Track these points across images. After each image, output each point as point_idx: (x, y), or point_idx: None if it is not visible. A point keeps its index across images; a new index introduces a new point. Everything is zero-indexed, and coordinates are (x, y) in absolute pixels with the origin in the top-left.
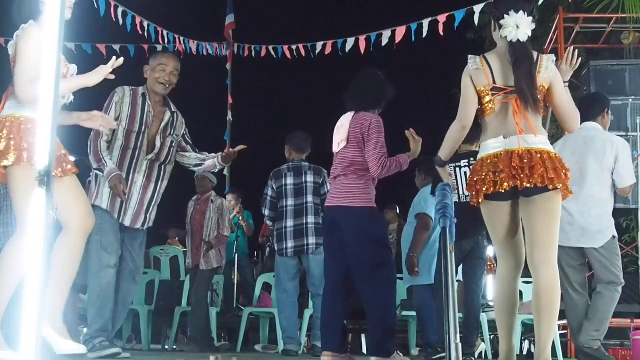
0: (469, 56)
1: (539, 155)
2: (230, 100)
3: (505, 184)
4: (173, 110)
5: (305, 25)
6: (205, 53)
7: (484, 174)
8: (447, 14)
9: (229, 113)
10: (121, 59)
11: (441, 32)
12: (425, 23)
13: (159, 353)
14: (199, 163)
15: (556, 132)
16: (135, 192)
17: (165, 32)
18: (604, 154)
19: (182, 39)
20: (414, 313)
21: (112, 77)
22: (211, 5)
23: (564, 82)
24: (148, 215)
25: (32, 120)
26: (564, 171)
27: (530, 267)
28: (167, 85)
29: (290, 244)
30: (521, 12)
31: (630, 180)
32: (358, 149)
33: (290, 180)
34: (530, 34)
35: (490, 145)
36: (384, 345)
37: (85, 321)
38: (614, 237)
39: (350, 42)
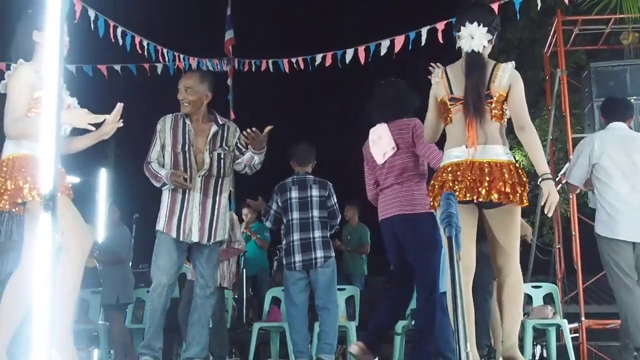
0: (434, 68)
1: (499, 168)
2: (232, 116)
3: (461, 195)
4: (221, 122)
5: (304, 38)
6: (205, 69)
7: (443, 180)
8: (445, 21)
9: None
10: (120, 105)
11: (440, 40)
12: (424, 31)
13: None
14: (246, 166)
15: (559, 135)
16: (195, 209)
17: (165, 51)
18: None
19: (181, 56)
20: None
21: (121, 124)
22: (210, 21)
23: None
24: (212, 231)
25: (29, 157)
26: (521, 186)
27: (495, 269)
28: (186, 103)
29: (297, 257)
30: (475, 23)
31: None
32: (408, 154)
33: (295, 194)
34: (485, 44)
35: (452, 154)
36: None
37: (94, 342)
38: None
39: (350, 53)
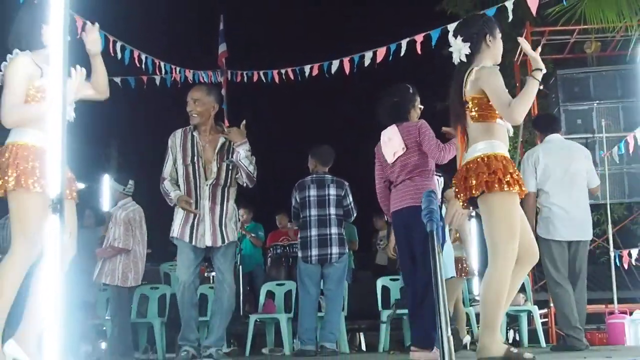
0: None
1: (471, 165)
2: (226, 123)
3: (463, 197)
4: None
5: (292, 50)
6: (201, 80)
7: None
8: (423, 34)
9: None
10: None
11: (419, 51)
12: (404, 43)
13: None
14: (240, 173)
15: (529, 137)
16: (206, 215)
17: (162, 64)
18: (583, 160)
19: (177, 69)
20: (406, 311)
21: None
22: (204, 36)
23: (537, 72)
24: (224, 233)
25: (30, 147)
26: (491, 174)
27: None
28: (195, 115)
29: (314, 252)
30: (454, 37)
31: (597, 181)
32: (418, 152)
33: (313, 192)
34: (463, 58)
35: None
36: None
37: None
38: None
39: (335, 64)
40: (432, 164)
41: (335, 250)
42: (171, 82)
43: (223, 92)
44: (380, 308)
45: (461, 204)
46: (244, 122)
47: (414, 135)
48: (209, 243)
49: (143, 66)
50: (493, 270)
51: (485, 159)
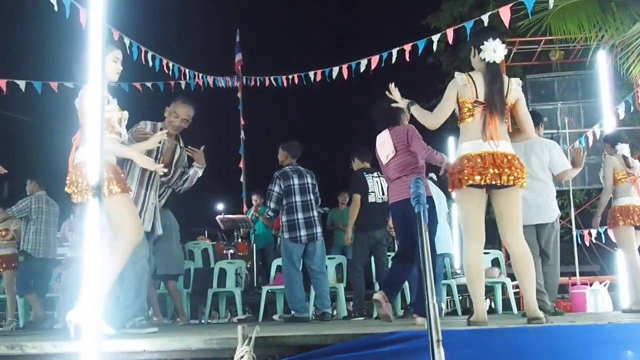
0: (457, 73)
1: (509, 158)
2: (242, 122)
3: (486, 179)
4: (181, 146)
5: (299, 59)
6: (220, 85)
7: (466, 168)
8: (411, 43)
9: (242, 132)
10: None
11: (407, 58)
12: (394, 51)
13: (197, 325)
14: (185, 180)
15: None
16: (151, 204)
17: (187, 70)
18: (542, 153)
19: (200, 75)
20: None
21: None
22: (223, 46)
23: (410, 107)
24: (157, 224)
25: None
26: (524, 172)
27: (505, 244)
28: (177, 131)
29: (303, 232)
30: (498, 39)
31: (563, 167)
32: (408, 153)
33: (296, 181)
34: (503, 58)
35: (470, 147)
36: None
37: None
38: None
39: (335, 70)
40: (422, 162)
41: (319, 229)
42: (194, 86)
43: (239, 95)
44: (374, 280)
45: (474, 182)
46: (203, 147)
47: (403, 138)
48: (148, 229)
49: (170, 73)
50: (524, 250)
51: (517, 158)
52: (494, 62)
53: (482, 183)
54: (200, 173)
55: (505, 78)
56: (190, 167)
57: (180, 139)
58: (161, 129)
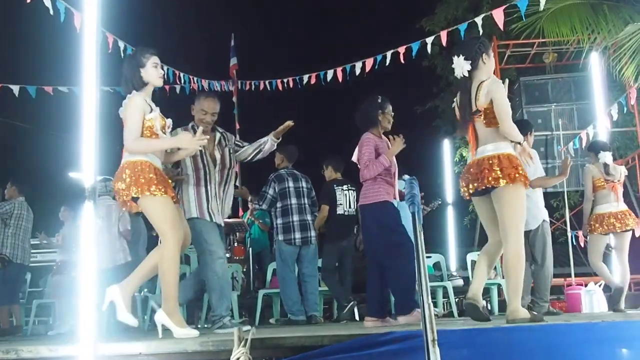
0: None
1: (489, 161)
2: (237, 126)
3: (472, 187)
4: (220, 130)
5: (293, 62)
6: (215, 89)
7: (461, 180)
8: (405, 46)
9: (237, 136)
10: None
11: (402, 61)
12: (389, 54)
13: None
14: (256, 151)
15: None
16: (217, 195)
17: (181, 74)
18: (525, 162)
19: (195, 79)
20: None
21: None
22: (218, 51)
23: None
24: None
25: (143, 162)
26: (511, 168)
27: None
28: (208, 126)
29: (297, 235)
30: (457, 56)
31: (538, 174)
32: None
33: (291, 184)
34: (468, 70)
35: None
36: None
37: None
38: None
39: (330, 73)
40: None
41: (313, 233)
42: (189, 91)
43: (234, 99)
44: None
45: (466, 192)
46: (291, 123)
47: (358, 147)
48: (221, 222)
49: (165, 76)
50: (514, 251)
51: (499, 157)
52: (460, 77)
53: (471, 191)
54: (275, 146)
55: (475, 86)
56: (265, 142)
57: (216, 127)
58: (192, 127)
